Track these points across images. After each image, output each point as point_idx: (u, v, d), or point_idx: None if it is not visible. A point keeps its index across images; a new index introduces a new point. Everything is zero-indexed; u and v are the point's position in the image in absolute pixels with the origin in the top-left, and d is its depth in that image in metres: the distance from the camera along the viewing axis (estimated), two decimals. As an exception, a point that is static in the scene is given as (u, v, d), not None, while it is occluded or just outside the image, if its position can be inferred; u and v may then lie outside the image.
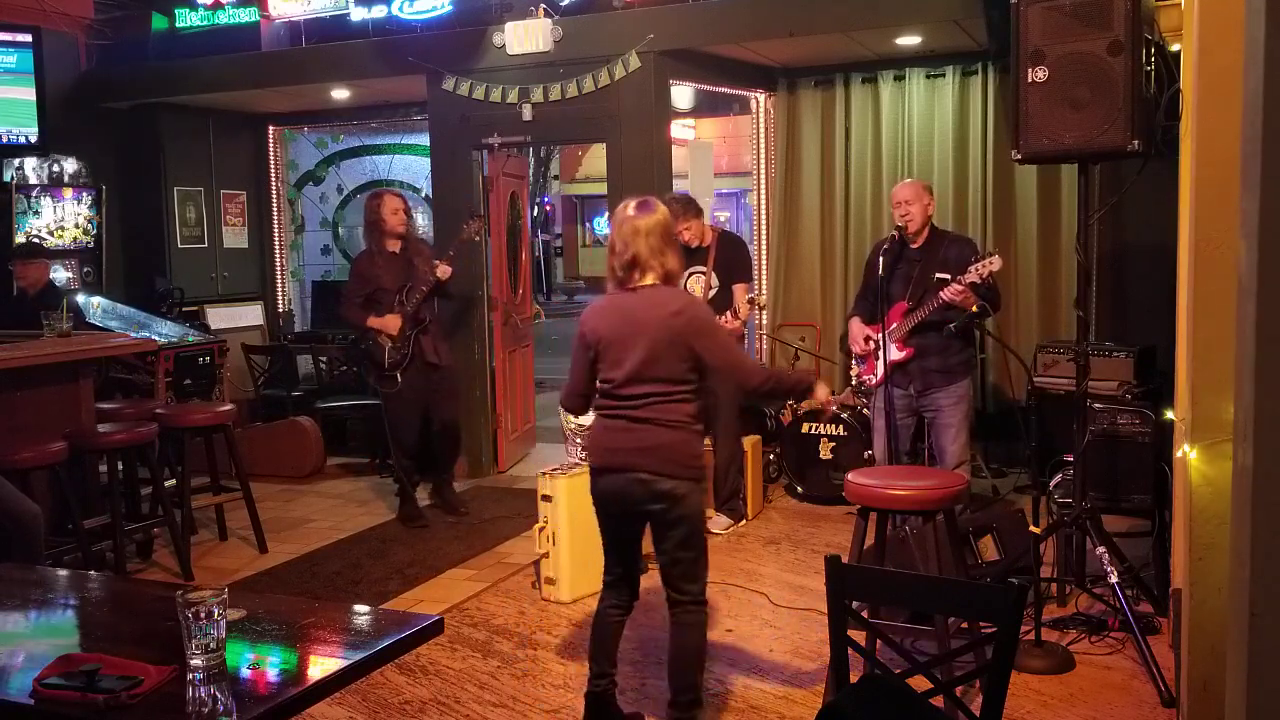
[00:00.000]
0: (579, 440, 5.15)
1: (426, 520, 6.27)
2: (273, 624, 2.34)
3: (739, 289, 5.94)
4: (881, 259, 5.11)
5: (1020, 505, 5.38)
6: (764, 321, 7.57)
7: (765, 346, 7.62)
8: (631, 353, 3.34)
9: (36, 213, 7.56)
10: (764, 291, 7.52)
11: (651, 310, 3.36)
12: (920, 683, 2.32)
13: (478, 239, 7.01)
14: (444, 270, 6.11)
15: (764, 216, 7.75)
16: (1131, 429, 4.71)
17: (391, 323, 6.06)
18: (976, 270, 4.74)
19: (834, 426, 6.42)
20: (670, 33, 6.72)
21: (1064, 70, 3.96)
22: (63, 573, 3.44)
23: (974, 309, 4.73)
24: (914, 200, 5.06)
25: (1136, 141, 3.88)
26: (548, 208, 27.02)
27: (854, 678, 2.40)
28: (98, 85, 8.27)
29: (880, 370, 5.16)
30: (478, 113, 7.20)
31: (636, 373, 3.34)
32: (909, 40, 6.71)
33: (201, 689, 1.97)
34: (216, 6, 8.03)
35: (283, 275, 9.30)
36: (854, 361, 5.57)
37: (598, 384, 3.48)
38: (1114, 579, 4.17)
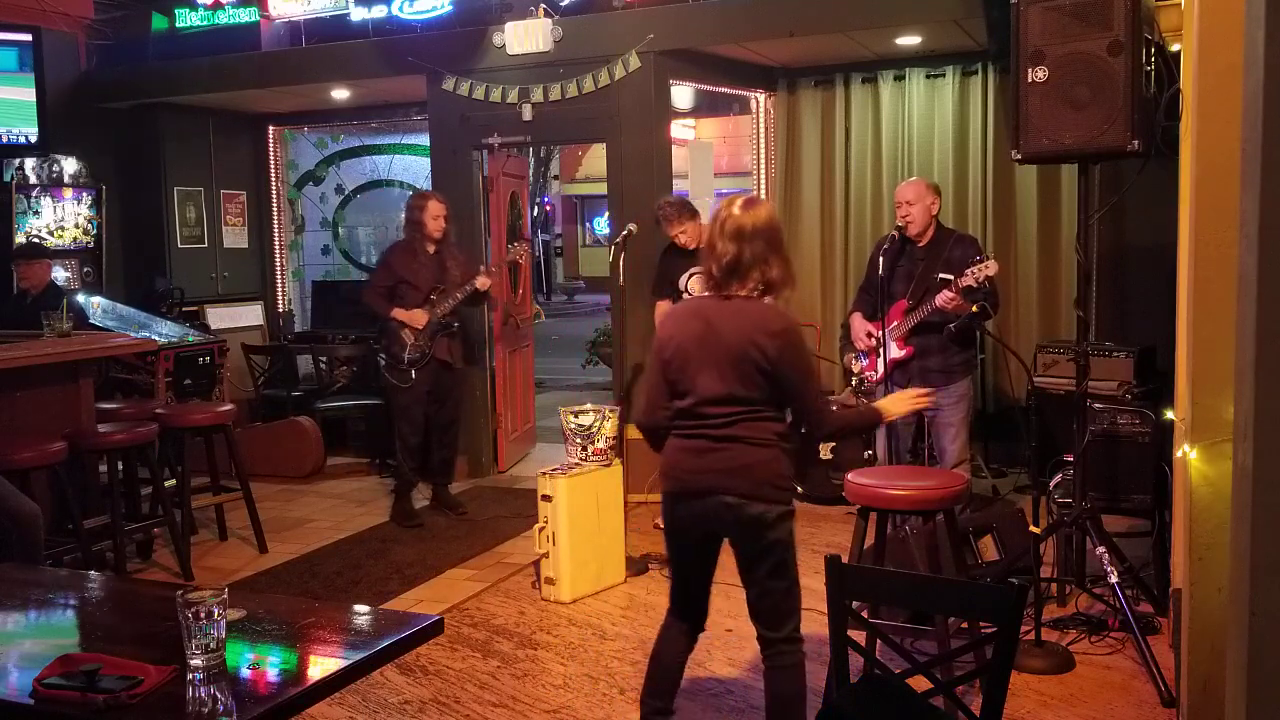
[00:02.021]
0: (579, 440, 5.15)
1: (421, 520, 6.26)
2: (273, 624, 2.34)
3: None
4: (882, 258, 5.11)
5: (1020, 505, 5.38)
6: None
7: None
8: (713, 368, 3.04)
9: (36, 213, 7.56)
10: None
11: (742, 323, 3.03)
12: (920, 683, 2.32)
13: (521, 261, 7.35)
14: (484, 281, 6.20)
15: (764, 216, 7.74)
16: (1131, 429, 4.71)
17: (418, 318, 6.13)
18: (972, 274, 4.73)
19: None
20: (670, 33, 6.72)
21: (1064, 70, 3.96)
22: (63, 573, 3.44)
23: (974, 310, 4.73)
24: (915, 200, 5.05)
25: (1136, 141, 3.88)
26: (548, 208, 27.03)
27: (854, 678, 2.40)
28: (98, 85, 8.27)
29: (881, 368, 5.16)
30: (478, 113, 7.20)
31: (717, 390, 3.04)
32: (909, 40, 6.70)
33: (201, 689, 1.97)
34: (216, 6, 8.02)
35: (283, 275, 9.30)
36: (854, 359, 5.56)
37: (673, 401, 3.15)
38: (1114, 579, 4.17)
